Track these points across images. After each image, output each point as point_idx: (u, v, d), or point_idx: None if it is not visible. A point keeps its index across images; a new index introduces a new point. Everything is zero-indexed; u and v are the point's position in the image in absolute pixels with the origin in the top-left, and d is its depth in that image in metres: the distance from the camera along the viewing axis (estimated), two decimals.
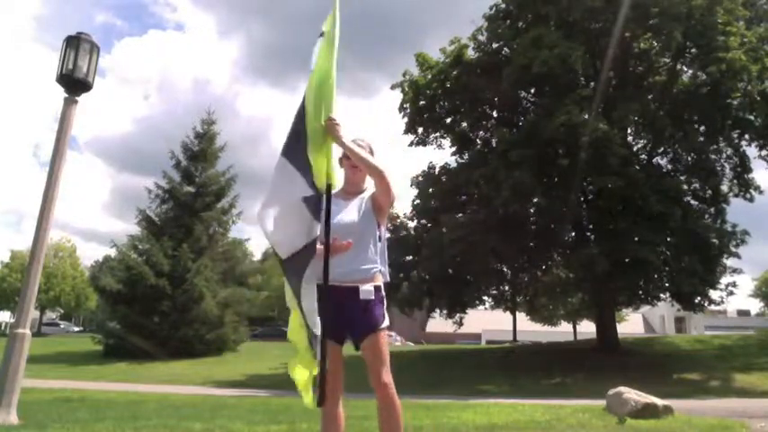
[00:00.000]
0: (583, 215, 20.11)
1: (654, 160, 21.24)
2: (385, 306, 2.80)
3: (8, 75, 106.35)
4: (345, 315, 2.69)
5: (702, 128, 19.98)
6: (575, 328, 42.07)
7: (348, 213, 2.80)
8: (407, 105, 22.23)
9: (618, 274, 17.74)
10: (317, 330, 2.54)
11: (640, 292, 19.58)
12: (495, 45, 21.99)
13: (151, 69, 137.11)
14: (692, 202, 20.34)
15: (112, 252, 33.94)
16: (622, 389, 7.07)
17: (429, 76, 21.80)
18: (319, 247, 2.66)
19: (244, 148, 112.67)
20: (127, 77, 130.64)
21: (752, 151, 20.42)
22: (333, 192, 2.73)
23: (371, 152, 2.91)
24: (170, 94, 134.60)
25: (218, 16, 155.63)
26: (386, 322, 2.77)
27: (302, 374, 2.65)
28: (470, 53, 21.98)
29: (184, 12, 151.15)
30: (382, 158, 2.96)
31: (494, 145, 20.90)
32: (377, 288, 2.76)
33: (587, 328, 32.59)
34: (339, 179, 2.87)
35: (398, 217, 22.81)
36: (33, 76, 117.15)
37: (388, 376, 2.69)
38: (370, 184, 2.93)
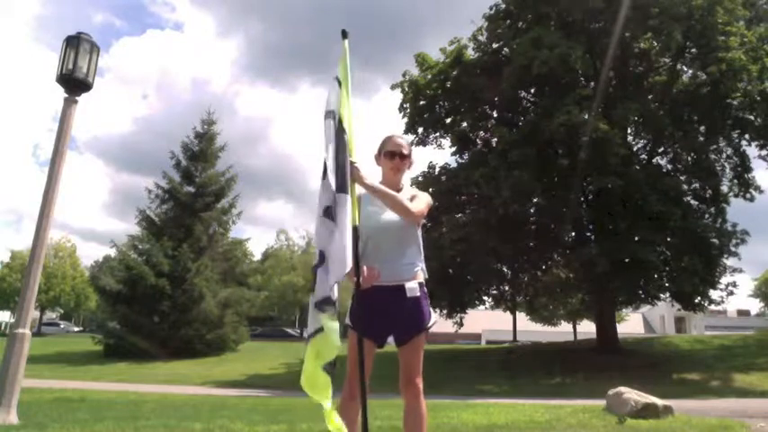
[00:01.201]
0: (583, 215, 20.10)
1: (654, 160, 21.24)
2: (429, 302, 2.81)
3: (7, 75, 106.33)
4: (390, 315, 2.69)
5: (702, 128, 19.98)
6: (575, 328, 42.06)
7: (388, 212, 2.81)
8: (407, 105, 22.23)
9: (618, 274, 17.73)
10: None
11: (640, 292, 19.56)
12: (495, 45, 22.00)
13: (150, 69, 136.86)
14: (692, 202, 20.34)
15: (112, 252, 34.03)
16: (622, 389, 7.07)
17: (429, 77, 21.79)
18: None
19: (243, 147, 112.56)
20: (125, 77, 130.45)
21: (752, 151, 20.46)
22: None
23: (410, 152, 2.95)
24: (169, 93, 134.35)
25: (217, 16, 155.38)
26: (433, 319, 2.78)
27: (326, 403, 2.55)
28: (470, 53, 21.98)
29: (183, 11, 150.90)
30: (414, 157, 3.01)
31: (494, 145, 20.88)
32: (420, 285, 2.78)
33: (587, 328, 32.58)
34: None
35: None
36: (32, 75, 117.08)
37: (420, 379, 2.70)
38: (406, 183, 2.97)
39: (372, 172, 2.91)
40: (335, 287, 2.57)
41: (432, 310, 2.82)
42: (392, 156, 2.90)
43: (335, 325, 2.55)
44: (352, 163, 2.72)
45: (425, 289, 2.81)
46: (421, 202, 2.85)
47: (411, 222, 2.81)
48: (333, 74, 2.90)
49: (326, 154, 2.75)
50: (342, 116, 2.78)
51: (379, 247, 2.75)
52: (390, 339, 2.80)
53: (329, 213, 2.65)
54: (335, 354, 2.52)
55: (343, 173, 2.69)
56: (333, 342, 2.53)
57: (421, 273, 2.82)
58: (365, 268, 2.66)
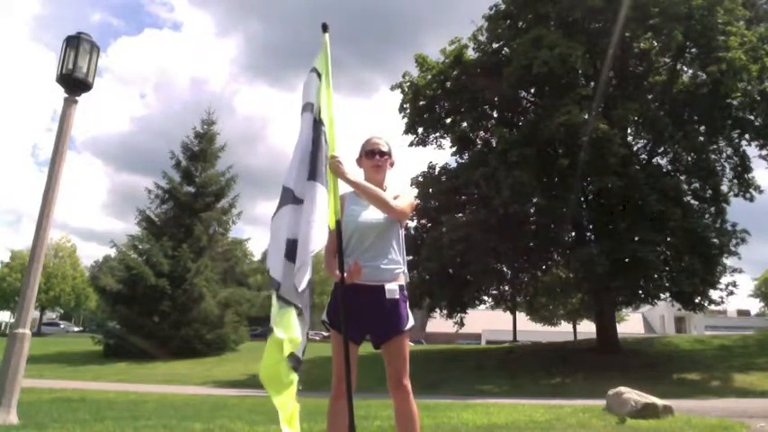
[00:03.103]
0: (583, 215, 20.09)
1: (654, 160, 21.21)
2: (408, 306, 2.79)
3: (6, 75, 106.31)
4: (368, 315, 2.67)
5: (702, 128, 19.96)
6: (575, 328, 42.07)
7: (372, 212, 2.79)
8: (407, 106, 22.24)
9: (618, 273, 17.72)
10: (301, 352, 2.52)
11: (640, 292, 19.53)
12: (495, 45, 21.99)
13: (148, 68, 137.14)
14: (692, 201, 20.31)
15: (112, 252, 34.07)
16: (622, 389, 7.06)
17: (429, 77, 21.80)
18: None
19: (242, 146, 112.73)
20: (123, 77, 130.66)
21: (752, 151, 20.45)
22: (353, 191, 2.80)
23: (390, 150, 2.95)
24: (167, 93, 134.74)
25: (216, 15, 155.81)
26: (410, 323, 2.76)
27: (287, 405, 2.46)
28: (470, 53, 21.98)
29: (181, 11, 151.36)
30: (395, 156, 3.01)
31: (494, 145, 20.88)
32: (401, 287, 2.76)
33: (587, 328, 32.59)
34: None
35: None
36: (31, 75, 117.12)
37: (407, 380, 2.68)
38: (389, 183, 2.95)
39: (359, 172, 2.91)
40: (282, 268, 2.52)
41: (410, 313, 2.79)
42: (372, 154, 2.90)
43: (289, 322, 2.46)
44: (333, 157, 2.70)
45: (405, 292, 2.80)
46: (403, 200, 2.84)
47: (393, 221, 2.80)
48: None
49: (296, 147, 2.74)
50: (320, 109, 2.77)
51: (360, 247, 2.74)
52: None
53: (295, 200, 2.64)
54: (295, 347, 2.44)
55: (316, 163, 2.67)
56: (285, 342, 2.42)
57: (402, 275, 2.80)
58: (351, 262, 2.64)
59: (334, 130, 2.79)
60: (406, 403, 2.66)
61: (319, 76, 2.83)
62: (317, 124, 2.74)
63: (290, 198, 2.64)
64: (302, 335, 2.49)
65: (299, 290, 2.51)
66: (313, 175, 2.66)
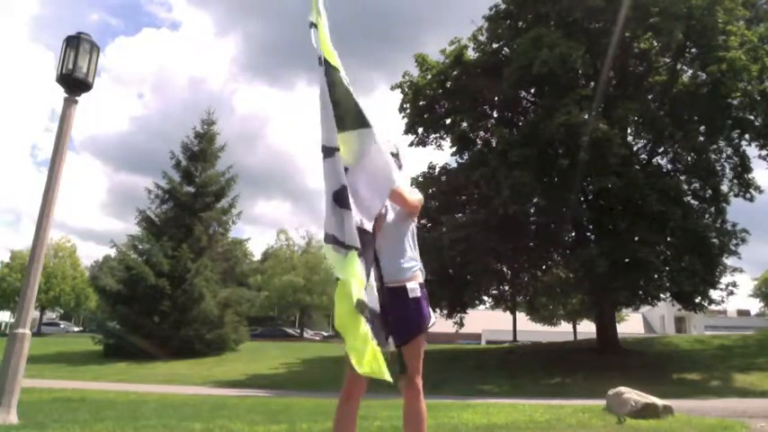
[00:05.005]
0: (583, 215, 20.10)
1: (654, 160, 21.24)
2: (428, 303, 2.77)
3: (5, 74, 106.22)
4: (391, 317, 2.58)
5: (702, 128, 19.97)
6: (575, 328, 42.06)
7: (389, 211, 2.78)
8: (407, 106, 22.25)
9: (618, 274, 17.73)
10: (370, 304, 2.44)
11: (640, 292, 19.54)
12: (495, 45, 22.02)
13: (147, 68, 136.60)
14: (692, 201, 20.33)
15: (111, 252, 34.08)
16: (622, 389, 7.05)
17: (429, 77, 21.81)
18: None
19: (241, 146, 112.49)
20: (121, 77, 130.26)
21: (752, 151, 20.46)
22: None
23: (398, 153, 2.90)
24: (166, 93, 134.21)
25: (215, 15, 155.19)
26: (432, 319, 2.75)
27: (359, 348, 2.38)
28: (470, 53, 22.00)
29: (180, 11, 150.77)
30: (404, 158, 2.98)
31: (494, 145, 20.89)
32: (420, 285, 2.74)
33: (587, 328, 32.58)
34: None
35: None
36: (30, 75, 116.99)
37: (419, 379, 2.68)
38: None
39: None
40: (333, 218, 2.44)
41: (431, 310, 2.79)
42: None
43: (353, 264, 2.40)
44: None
45: (425, 289, 2.78)
46: (416, 194, 2.85)
47: (406, 219, 2.79)
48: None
49: (320, 105, 2.62)
50: (324, 52, 2.68)
51: (378, 248, 2.68)
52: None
53: (329, 151, 2.53)
54: (361, 291, 2.38)
55: (352, 107, 2.60)
56: (352, 286, 2.37)
57: (420, 272, 2.78)
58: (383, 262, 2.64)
59: (339, 66, 2.69)
60: (416, 401, 2.66)
61: (315, 26, 2.74)
62: (328, 70, 2.66)
63: (324, 152, 2.56)
64: (365, 276, 2.44)
65: (356, 230, 2.44)
66: (357, 122, 2.58)
